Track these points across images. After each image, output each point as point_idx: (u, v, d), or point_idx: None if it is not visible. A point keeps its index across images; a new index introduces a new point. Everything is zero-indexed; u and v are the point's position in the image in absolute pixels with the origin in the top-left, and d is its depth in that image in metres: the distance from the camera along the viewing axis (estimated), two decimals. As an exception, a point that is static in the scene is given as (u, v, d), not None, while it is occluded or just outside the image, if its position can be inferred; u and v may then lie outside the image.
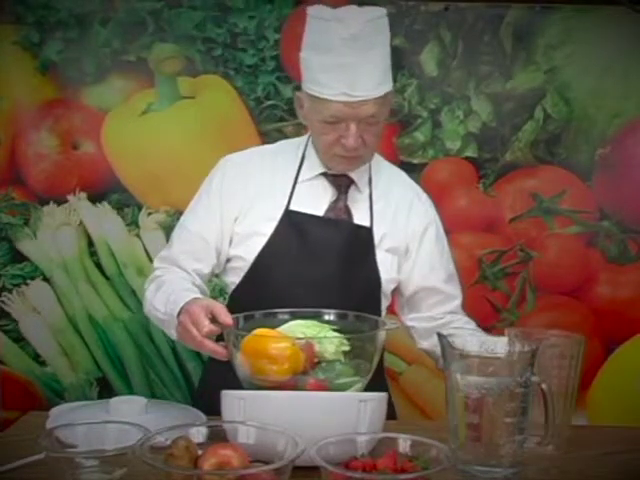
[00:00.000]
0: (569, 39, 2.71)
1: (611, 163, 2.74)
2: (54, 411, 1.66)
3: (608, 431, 1.74)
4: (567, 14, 2.70)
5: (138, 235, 2.79)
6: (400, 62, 2.72)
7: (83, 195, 2.78)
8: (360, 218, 1.82)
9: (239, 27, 2.72)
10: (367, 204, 1.83)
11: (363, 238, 1.81)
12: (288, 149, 1.88)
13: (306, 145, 1.85)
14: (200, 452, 1.23)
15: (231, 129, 2.76)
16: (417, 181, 2.68)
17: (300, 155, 1.84)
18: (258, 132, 2.76)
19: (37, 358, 2.81)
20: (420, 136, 2.75)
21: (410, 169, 2.70)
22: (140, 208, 2.78)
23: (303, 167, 1.83)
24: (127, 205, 2.78)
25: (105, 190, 2.79)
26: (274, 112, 2.75)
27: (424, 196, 1.95)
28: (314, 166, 1.82)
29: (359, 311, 1.65)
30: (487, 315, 2.77)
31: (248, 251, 1.79)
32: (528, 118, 2.72)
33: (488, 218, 2.79)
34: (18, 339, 2.80)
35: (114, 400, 1.63)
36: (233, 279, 1.84)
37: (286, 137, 2.72)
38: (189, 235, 1.83)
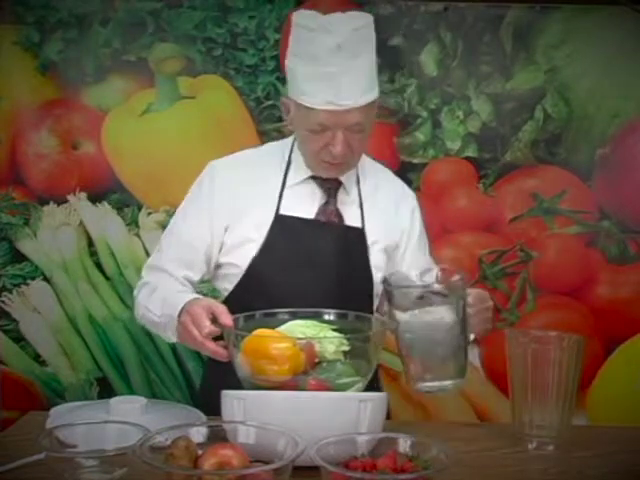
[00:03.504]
0: (569, 39, 2.71)
1: (611, 163, 2.74)
2: (54, 411, 1.66)
3: (608, 431, 1.74)
4: (567, 14, 2.71)
5: (138, 235, 2.79)
6: (400, 62, 2.73)
7: (83, 195, 2.78)
8: (351, 220, 1.82)
9: (239, 27, 2.72)
10: (356, 205, 1.83)
11: (355, 240, 1.81)
12: (274, 153, 1.87)
13: (291, 149, 1.84)
14: (200, 452, 1.23)
15: (231, 129, 2.76)
16: (417, 181, 2.72)
17: (286, 159, 1.83)
18: (258, 132, 2.76)
19: (37, 358, 2.81)
20: (420, 136, 2.75)
21: (410, 169, 2.72)
22: (140, 208, 2.78)
23: (290, 171, 1.82)
24: (127, 205, 2.78)
25: (105, 190, 2.79)
26: (274, 112, 2.74)
27: (408, 192, 1.95)
28: (301, 170, 1.81)
29: (353, 311, 1.65)
30: (487, 315, 2.77)
31: (242, 258, 1.78)
32: (528, 118, 2.72)
33: (488, 218, 2.79)
34: (18, 339, 2.80)
35: (114, 400, 1.63)
36: (226, 285, 1.83)
37: (285, 137, 2.73)
38: (178, 243, 1.82)
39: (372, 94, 1.70)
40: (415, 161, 2.76)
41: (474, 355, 2.75)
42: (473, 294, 1.62)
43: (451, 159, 2.77)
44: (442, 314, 1.54)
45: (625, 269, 2.78)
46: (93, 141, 2.78)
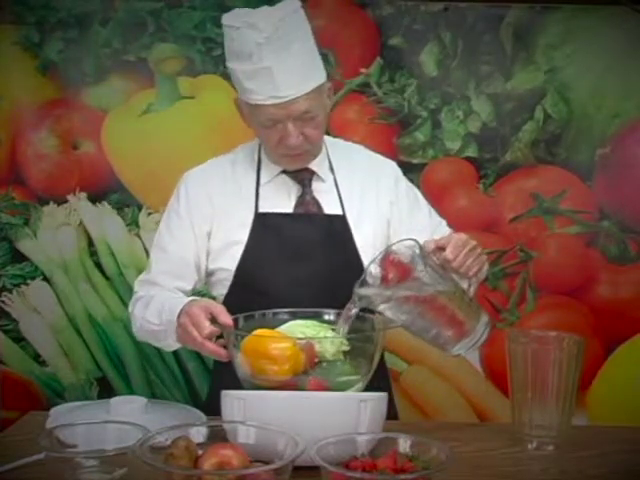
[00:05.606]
0: (569, 39, 2.71)
1: (611, 163, 2.74)
2: (54, 411, 1.66)
3: (608, 431, 1.74)
4: (567, 14, 2.71)
5: (138, 235, 2.79)
6: (400, 62, 2.73)
7: (83, 195, 2.78)
8: (330, 208, 1.82)
9: (239, 27, 2.71)
10: (334, 192, 1.83)
11: (338, 227, 1.80)
12: (245, 154, 1.88)
13: (259, 148, 1.85)
14: (200, 452, 1.23)
15: (231, 129, 2.75)
16: (417, 181, 2.72)
17: (256, 158, 1.85)
18: (258, 132, 2.75)
19: (37, 358, 2.81)
20: (420, 136, 2.75)
21: (410, 169, 2.72)
22: (140, 208, 2.78)
23: (262, 169, 1.83)
24: (127, 205, 2.78)
25: (105, 190, 2.79)
26: (274, 112, 2.74)
27: (388, 163, 1.94)
28: (272, 166, 1.82)
29: (346, 299, 1.62)
30: (487, 315, 2.77)
31: (230, 261, 1.79)
32: (528, 118, 2.72)
33: (488, 218, 2.79)
34: (18, 339, 2.80)
35: (114, 400, 1.64)
36: (220, 291, 1.84)
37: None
38: (166, 255, 1.83)
39: (316, 79, 1.70)
40: (415, 161, 2.75)
41: (474, 356, 2.75)
42: (451, 243, 1.57)
43: (451, 159, 2.77)
44: (417, 302, 1.49)
45: (625, 269, 2.78)
46: (93, 141, 2.78)
